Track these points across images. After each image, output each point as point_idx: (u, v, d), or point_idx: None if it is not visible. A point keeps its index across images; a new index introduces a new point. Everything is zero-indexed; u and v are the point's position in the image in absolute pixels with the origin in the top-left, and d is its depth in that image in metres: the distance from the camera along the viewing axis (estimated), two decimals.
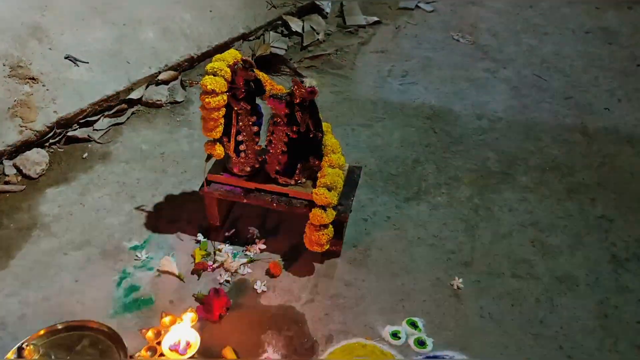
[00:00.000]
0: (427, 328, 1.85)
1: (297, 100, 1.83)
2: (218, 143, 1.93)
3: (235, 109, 1.89)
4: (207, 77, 1.80)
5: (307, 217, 1.90)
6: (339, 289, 1.97)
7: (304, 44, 3.36)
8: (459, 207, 2.34)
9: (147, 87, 2.85)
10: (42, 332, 1.72)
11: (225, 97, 1.83)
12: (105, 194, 2.33)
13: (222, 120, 1.88)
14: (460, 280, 2.01)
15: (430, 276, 2.03)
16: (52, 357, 1.66)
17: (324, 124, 1.96)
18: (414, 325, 1.87)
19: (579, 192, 2.44)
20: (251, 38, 3.32)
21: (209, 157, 1.97)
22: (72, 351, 1.70)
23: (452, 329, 1.85)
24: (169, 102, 2.86)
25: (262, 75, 1.91)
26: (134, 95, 2.78)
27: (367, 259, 2.09)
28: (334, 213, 1.90)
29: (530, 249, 2.17)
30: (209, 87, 1.78)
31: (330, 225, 1.92)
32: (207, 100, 1.80)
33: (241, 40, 3.27)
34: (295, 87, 1.80)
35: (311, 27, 3.48)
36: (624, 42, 3.65)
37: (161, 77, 2.89)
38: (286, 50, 3.32)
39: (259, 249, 2.09)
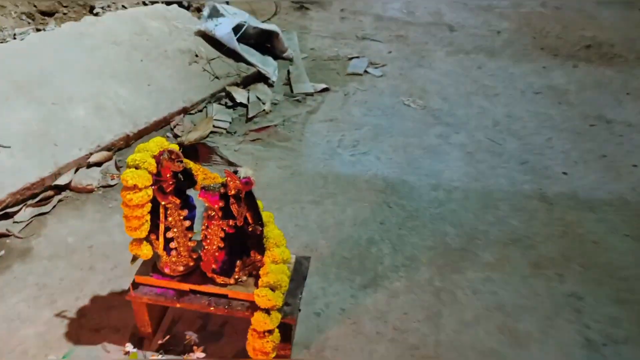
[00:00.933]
0: None
1: (232, 192, 1.65)
2: (145, 242, 1.72)
3: (163, 203, 1.70)
4: (128, 170, 1.61)
5: (250, 321, 1.69)
6: None
7: (250, 115, 3.22)
8: (419, 292, 2.17)
9: (76, 171, 2.63)
10: None
11: (150, 192, 1.64)
12: (21, 299, 2.06)
13: (148, 217, 1.68)
14: None
15: None
16: None
17: (265, 213, 1.78)
18: None
19: (544, 266, 2.31)
20: (193, 112, 3.16)
21: (134, 258, 1.76)
22: None
23: None
24: (101, 187, 2.64)
25: (192, 165, 1.73)
26: (62, 180, 2.56)
27: None
28: (279, 316, 1.70)
29: (498, 337, 2.00)
30: (130, 182, 1.59)
31: (276, 330, 1.71)
32: (128, 197, 1.60)
33: (182, 115, 3.11)
34: (229, 178, 1.62)
35: (257, 97, 3.36)
36: (573, 100, 3.66)
37: (93, 159, 2.68)
38: (230, 122, 3.17)
39: (198, 358, 1.85)
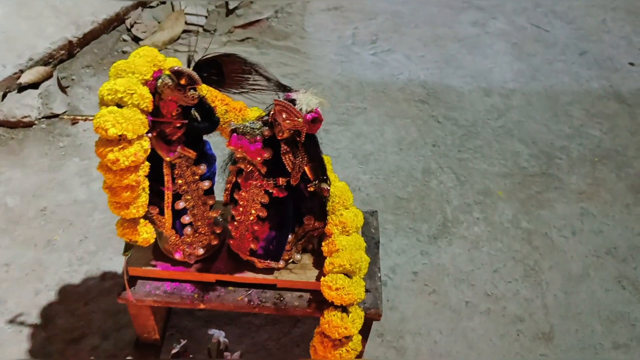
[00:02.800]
0: None
1: (284, 135, 1.02)
2: (142, 220, 1.09)
3: (168, 159, 1.05)
4: (104, 111, 0.94)
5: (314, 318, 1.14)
6: None
7: (230, 7, 2.47)
8: (505, 238, 1.67)
9: (3, 97, 1.89)
10: None
11: (146, 144, 0.98)
12: None
13: (146, 184, 1.04)
14: None
15: None
16: None
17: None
18: None
19: None
20: (153, 4, 2.38)
21: (128, 246, 1.13)
22: None
23: None
24: (43, 117, 1.91)
25: (209, 92, 1.08)
26: None
27: (403, 356, 1.37)
28: (362, 314, 1.15)
29: (621, 293, 1.54)
30: (111, 131, 0.93)
31: (358, 335, 1.16)
32: (111, 156, 0.94)
33: (140, 8, 2.32)
34: (280, 111, 0.99)
35: None
36: None
37: (24, 78, 1.93)
38: (206, 17, 2.41)
39: None
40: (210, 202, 1.16)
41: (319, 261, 1.20)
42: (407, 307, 1.48)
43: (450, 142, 1.96)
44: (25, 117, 1.89)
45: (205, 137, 1.11)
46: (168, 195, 1.09)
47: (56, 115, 1.92)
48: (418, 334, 1.42)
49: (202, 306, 1.20)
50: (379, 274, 1.27)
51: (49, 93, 1.97)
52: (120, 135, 0.93)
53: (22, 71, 1.95)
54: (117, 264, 1.48)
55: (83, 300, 1.43)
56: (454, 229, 1.68)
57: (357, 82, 2.19)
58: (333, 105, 2.07)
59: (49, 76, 2.00)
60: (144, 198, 1.04)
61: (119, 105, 0.96)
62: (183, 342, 1.34)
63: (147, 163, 1.02)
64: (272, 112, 1.02)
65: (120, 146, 0.95)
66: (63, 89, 2.01)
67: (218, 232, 1.20)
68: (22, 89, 1.94)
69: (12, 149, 1.82)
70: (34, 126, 1.89)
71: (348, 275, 1.13)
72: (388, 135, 1.97)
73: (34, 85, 1.96)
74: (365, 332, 1.25)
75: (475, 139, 1.98)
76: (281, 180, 1.08)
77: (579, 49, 2.49)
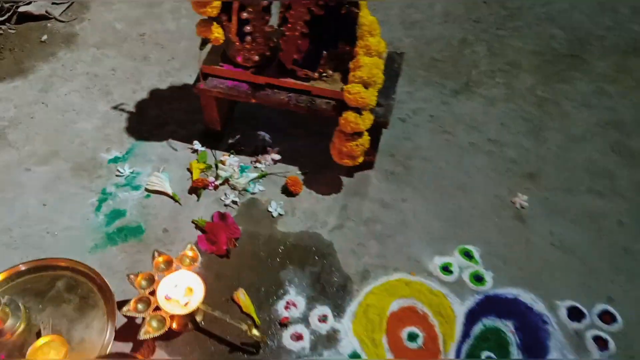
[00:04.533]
0: (484, 259, 1.55)
1: None
2: (215, 23, 1.49)
3: None
4: None
5: (335, 121, 1.52)
6: (374, 212, 1.64)
7: None
8: (520, 101, 1.95)
9: None
10: (1, 276, 1.40)
11: None
12: (72, 89, 1.92)
13: None
14: (525, 197, 1.68)
15: (488, 193, 1.70)
16: (20, 305, 1.36)
17: None
18: (468, 255, 1.57)
19: None
20: None
21: (203, 42, 1.55)
22: (44, 298, 1.40)
23: (515, 260, 1.55)
24: None
25: None
26: None
27: (409, 172, 1.74)
28: (372, 117, 1.52)
29: (611, 155, 1.81)
30: None
31: (366, 133, 1.55)
32: None
33: None
34: None
35: None
36: None
37: None
38: None
39: (273, 159, 1.74)
40: (267, 17, 1.54)
41: (346, 78, 1.57)
42: (421, 140, 1.83)
43: (493, 20, 2.21)
44: None
45: None
46: (235, 5, 1.48)
47: None
48: (426, 160, 1.78)
49: (253, 100, 1.61)
50: (393, 96, 1.62)
51: None
52: None
53: None
54: (193, 79, 1.92)
55: (167, 100, 1.89)
56: (475, 88, 1.98)
57: None
58: None
59: None
60: (218, 2, 1.43)
61: None
62: (237, 136, 1.79)
63: None
64: None
65: None
66: None
67: (271, 45, 1.58)
68: None
69: None
70: None
71: (365, 85, 1.49)
72: (437, 9, 2.24)
73: None
74: (376, 138, 1.63)
75: (517, 20, 2.22)
76: (320, 0, 1.43)
77: None
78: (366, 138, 1.55)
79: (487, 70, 2.03)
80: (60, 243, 1.53)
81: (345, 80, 1.55)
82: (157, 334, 1.26)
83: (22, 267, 1.43)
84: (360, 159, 1.60)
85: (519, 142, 1.83)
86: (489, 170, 1.76)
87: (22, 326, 1.35)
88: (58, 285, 1.43)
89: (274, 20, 1.54)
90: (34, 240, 1.53)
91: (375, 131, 1.59)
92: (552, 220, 1.64)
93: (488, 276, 1.53)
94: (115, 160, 1.73)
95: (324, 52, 1.55)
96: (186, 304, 1.30)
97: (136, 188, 1.66)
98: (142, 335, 1.26)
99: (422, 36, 2.14)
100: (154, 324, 1.28)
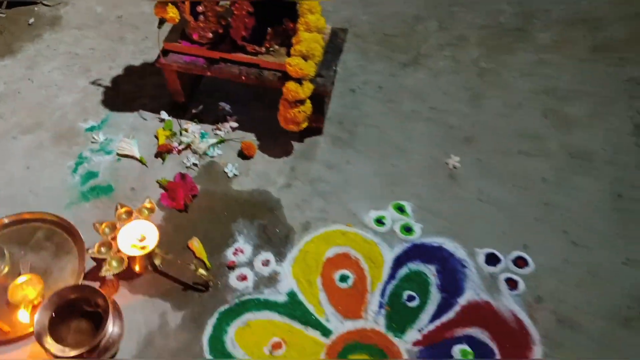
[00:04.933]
0: (415, 213, 1.75)
1: None
2: (170, 4, 1.70)
3: None
4: None
5: (282, 91, 1.72)
6: (320, 173, 1.84)
7: None
8: (463, 73, 2.13)
9: None
10: None
11: None
12: (55, 67, 2.15)
13: None
14: (458, 159, 1.87)
15: (425, 155, 1.88)
16: (5, 252, 1.60)
17: None
18: (401, 209, 1.76)
19: (607, 49, 2.19)
20: None
21: (161, 21, 1.75)
22: (26, 245, 1.64)
23: (444, 214, 1.75)
24: None
25: None
26: None
27: (354, 138, 1.93)
28: (312, 87, 1.72)
29: (543, 120, 1.99)
30: None
31: (308, 101, 1.74)
32: None
33: None
34: None
35: None
36: None
37: None
38: None
39: (231, 127, 1.95)
40: None
41: (289, 52, 1.76)
42: (368, 108, 2.02)
43: None
44: None
45: None
46: None
47: None
48: (370, 126, 1.97)
49: (209, 73, 1.82)
50: (334, 68, 1.82)
51: None
52: None
53: None
54: None
55: (140, 76, 2.11)
56: (423, 61, 2.16)
57: None
58: None
59: None
60: None
61: None
62: (200, 107, 1.99)
63: None
64: None
65: None
66: None
67: (223, 23, 1.78)
68: None
69: None
70: None
71: (304, 57, 1.69)
72: None
73: None
74: (319, 106, 1.82)
75: None
76: None
77: None
78: (308, 106, 1.75)
79: (436, 44, 2.21)
80: (41, 200, 1.76)
81: (289, 54, 1.74)
82: (116, 272, 1.49)
83: (6, 220, 1.67)
84: (304, 125, 1.79)
85: (459, 110, 2.01)
86: (427, 135, 1.94)
87: (7, 269, 1.58)
88: (38, 235, 1.67)
89: None
90: (18, 198, 1.77)
91: (317, 100, 1.78)
92: (481, 178, 1.83)
93: (417, 227, 1.73)
94: (91, 129, 1.95)
95: (269, 28, 1.74)
96: (143, 248, 1.52)
97: (109, 153, 1.88)
98: (103, 272, 1.49)
99: (379, 13, 2.31)
100: (114, 263, 1.51)
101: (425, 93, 2.06)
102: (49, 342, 1.33)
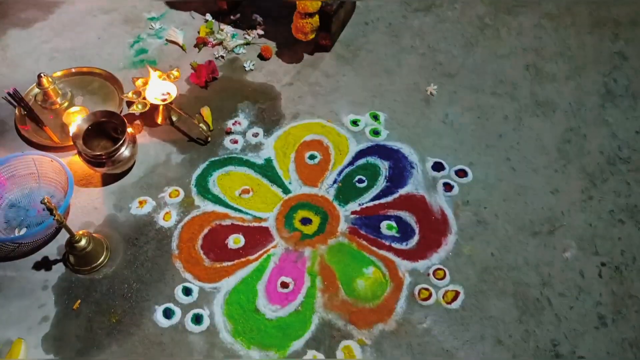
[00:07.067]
0: (387, 122, 2.11)
1: None
2: None
3: None
4: None
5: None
6: (318, 79, 2.24)
7: None
8: (466, 24, 2.43)
9: None
10: (59, 73, 2.19)
11: None
12: None
13: None
14: (436, 87, 2.20)
15: (409, 81, 2.23)
16: (69, 92, 2.13)
17: None
18: (375, 117, 2.13)
19: (606, 26, 2.42)
20: None
21: None
22: (84, 90, 2.17)
23: (410, 126, 2.09)
24: None
25: None
26: None
27: (355, 58, 2.31)
28: (319, 3, 2.11)
29: (522, 72, 2.27)
30: None
31: (317, 15, 2.14)
32: None
33: None
34: None
35: None
36: None
37: None
38: None
39: (258, 34, 2.38)
40: None
41: None
42: (373, 38, 2.38)
43: None
44: None
45: None
46: None
47: None
48: (370, 52, 2.33)
49: None
50: None
51: None
52: None
53: None
54: None
55: None
56: (434, 9, 2.49)
57: None
58: None
59: None
60: None
61: None
62: (238, 14, 2.43)
63: None
64: None
65: None
66: None
67: None
68: None
69: None
70: None
71: None
72: None
73: None
74: (327, 24, 2.21)
75: None
76: None
77: None
78: (316, 19, 2.15)
79: None
80: (103, 61, 2.28)
81: None
82: (139, 111, 1.98)
83: (73, 70, 2.21)
84: (311, 36, 2.19)
85: (451, 51, 2.34)
86: (417, 66, 2.29)
87: (66, 103, 2.11)
88: (93, 85, 2.19)
89: None
90: (87, 57, 2.30)
91: (324, 17, 2.18)
92: (450, 106, 2.15)
93: (384, 133, 2.09)
94: (152, 18, 2.45)
95: None
96: (163, 100, 2.00)
97: (160, 37, 2.37)
98: (131, 109, 1.99)
99: None
100: (140, 106, 2.00)
101: (427, 34, 2.39)
102: (80, 144, 1.84)
